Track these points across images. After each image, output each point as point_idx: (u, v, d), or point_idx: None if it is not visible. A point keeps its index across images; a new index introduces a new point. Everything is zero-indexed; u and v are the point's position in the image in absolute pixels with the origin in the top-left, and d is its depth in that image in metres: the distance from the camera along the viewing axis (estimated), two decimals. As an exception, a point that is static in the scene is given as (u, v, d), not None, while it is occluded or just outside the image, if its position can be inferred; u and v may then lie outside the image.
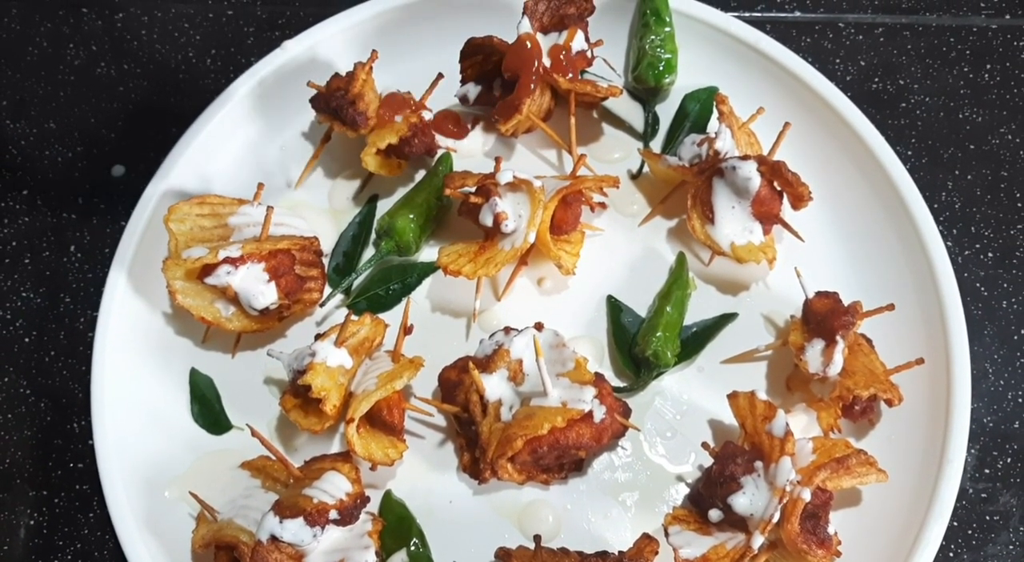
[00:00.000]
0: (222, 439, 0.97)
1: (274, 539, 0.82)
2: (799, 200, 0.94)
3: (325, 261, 1.03)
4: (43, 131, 1.13)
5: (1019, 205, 1.05)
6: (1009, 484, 0.94)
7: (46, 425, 1.00)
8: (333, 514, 0.83)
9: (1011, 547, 0.92)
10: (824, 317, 0.90)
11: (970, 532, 0.93)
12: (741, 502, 0.83)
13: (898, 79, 1.11)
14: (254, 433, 0.88)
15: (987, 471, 0.95)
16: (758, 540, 0.81)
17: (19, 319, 1.05)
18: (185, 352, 1.00)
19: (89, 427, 0.96)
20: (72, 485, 0.98)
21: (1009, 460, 0.95)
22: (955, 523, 0.93)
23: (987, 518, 0.93)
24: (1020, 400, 0.97)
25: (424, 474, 0.95)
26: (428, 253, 1.03)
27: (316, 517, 0.82)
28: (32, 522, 0.97)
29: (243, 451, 0.94)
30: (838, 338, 0.88)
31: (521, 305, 1.01)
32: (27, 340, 1.04)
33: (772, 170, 0.93)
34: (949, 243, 1.02)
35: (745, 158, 0.94)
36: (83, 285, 1.06)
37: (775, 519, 0.81)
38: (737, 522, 0.84)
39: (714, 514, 0.85)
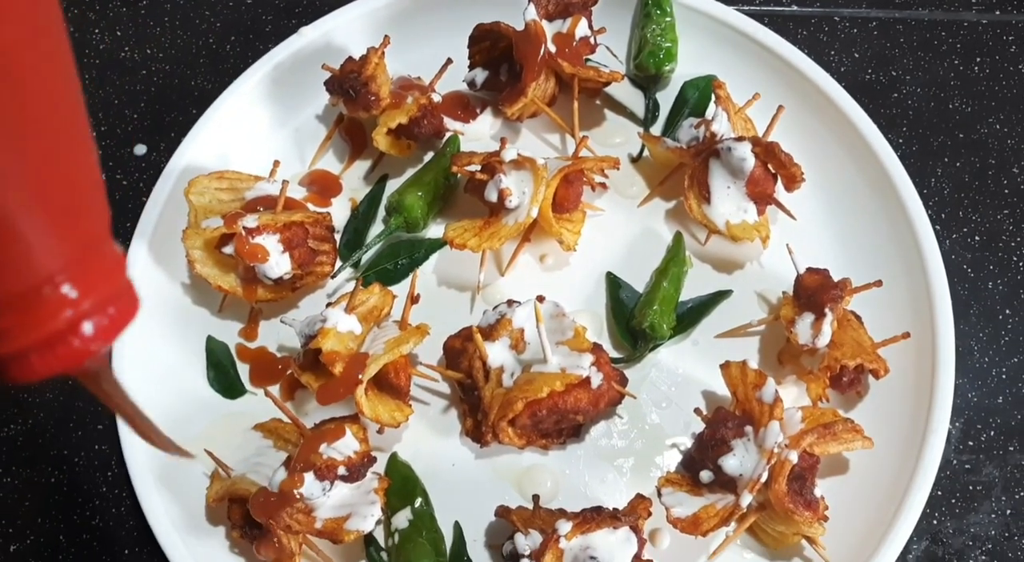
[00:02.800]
0: (236, 403, 1.01)
1: (285, 492, 0.86)
2: (792, 181, 0.98)
3: (337, 237, 1.07)
4: (69, 111, 1.17)
5: (1005, 191, 1.09)
6: (992, 456, 0.98)
7: (67, 388, 1.04)
8: (342, 470, 0.87)
9: (993, 516, 0.95)
10: (814, 292, 0.93)
11: (954, 501, 0.96)
12: (731, 463, 0.86)
13: (891, 70, 1.15)
14: (267, 394, 0.92)
15: (971, 443, 0.98)
16: (746, 499, 0.85)
17: (43, 289, 1.09)
18: (202, 320, 1.04)
19: (109, 390, 1.00)
20: (92, 445, 1.02)
21: (992, 433, 0.98)
22: (939, 492, 0.96)
23: (970, 488, 0.96)
24: (1004, 376, 1.01)
25: (428, 438, 0.98)
26: (435, 230, 1.07)
27: (325, 471, 0.86)
28: (53, 479, 1.00)
29: (256, 414, 0.98)
30: (827, 311, 0.91)
31: (524, 280, 1.04)
32: (51, 309, 1.08)
33: (766, 151, 0.97)
34: (937, 227, 1.05)
35: (740, 139, 0.97)
36: (105, 257, 1.10)
37: (763, 480, 0.84)
38: (727, 483, 0.87)
39: (705, 475, 0.88)
